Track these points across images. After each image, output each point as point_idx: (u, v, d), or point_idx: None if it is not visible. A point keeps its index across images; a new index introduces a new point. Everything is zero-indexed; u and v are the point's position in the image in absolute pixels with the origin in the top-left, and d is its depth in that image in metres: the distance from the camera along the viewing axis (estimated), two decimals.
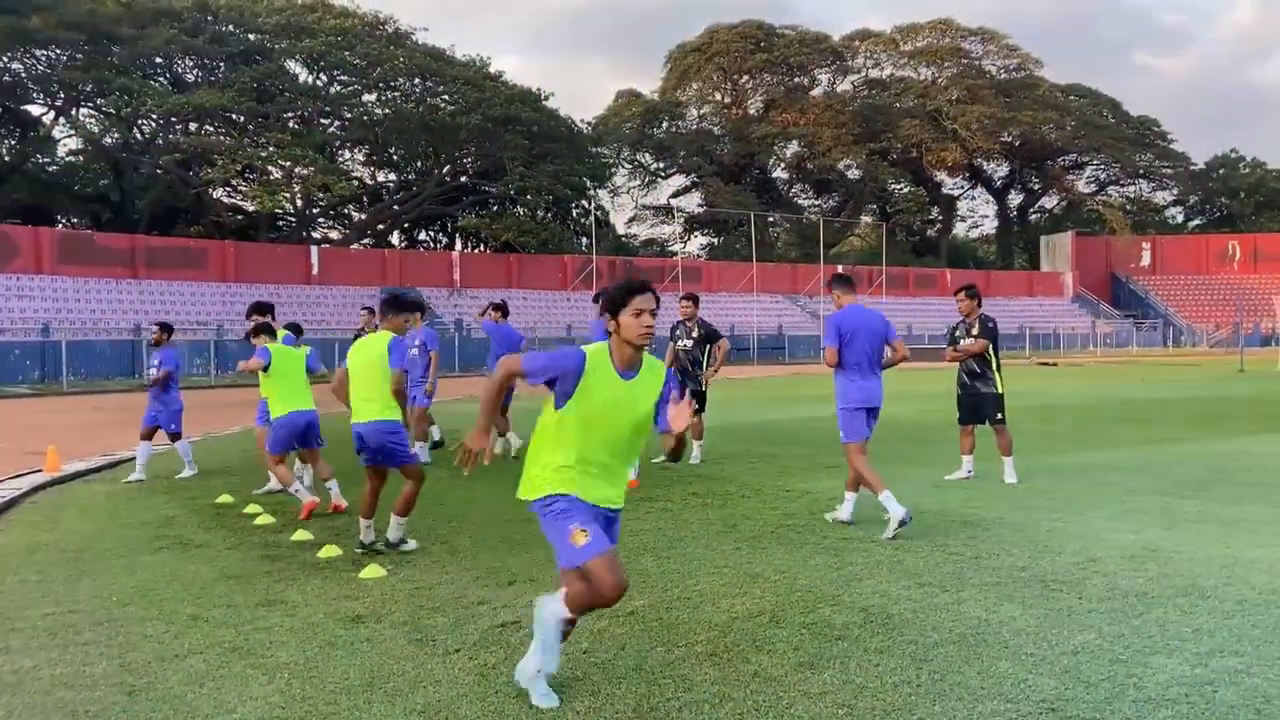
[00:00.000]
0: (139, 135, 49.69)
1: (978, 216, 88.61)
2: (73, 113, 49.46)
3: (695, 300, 11.25)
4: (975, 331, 9.40)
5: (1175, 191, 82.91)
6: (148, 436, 10.70)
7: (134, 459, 10.76)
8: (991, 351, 9.36)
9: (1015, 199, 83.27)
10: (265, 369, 8.46)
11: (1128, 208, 78.90)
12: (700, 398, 11.07)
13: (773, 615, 5.11)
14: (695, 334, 11.02)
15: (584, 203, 61.21)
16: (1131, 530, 7.05)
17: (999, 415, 9.33)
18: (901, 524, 6.80)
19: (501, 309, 12.55)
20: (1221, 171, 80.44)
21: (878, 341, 7.45)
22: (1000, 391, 9.36)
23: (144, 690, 4.25)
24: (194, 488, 9.92)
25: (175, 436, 10.80)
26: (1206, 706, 3.82)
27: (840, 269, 63.34)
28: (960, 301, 9.58)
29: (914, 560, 6.25)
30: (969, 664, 4.34)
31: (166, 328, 10.74)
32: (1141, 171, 78.72)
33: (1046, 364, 41.89)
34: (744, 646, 4.63)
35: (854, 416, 7.36)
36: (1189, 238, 78.24)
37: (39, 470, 10.86)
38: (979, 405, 9.38)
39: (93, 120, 50.19)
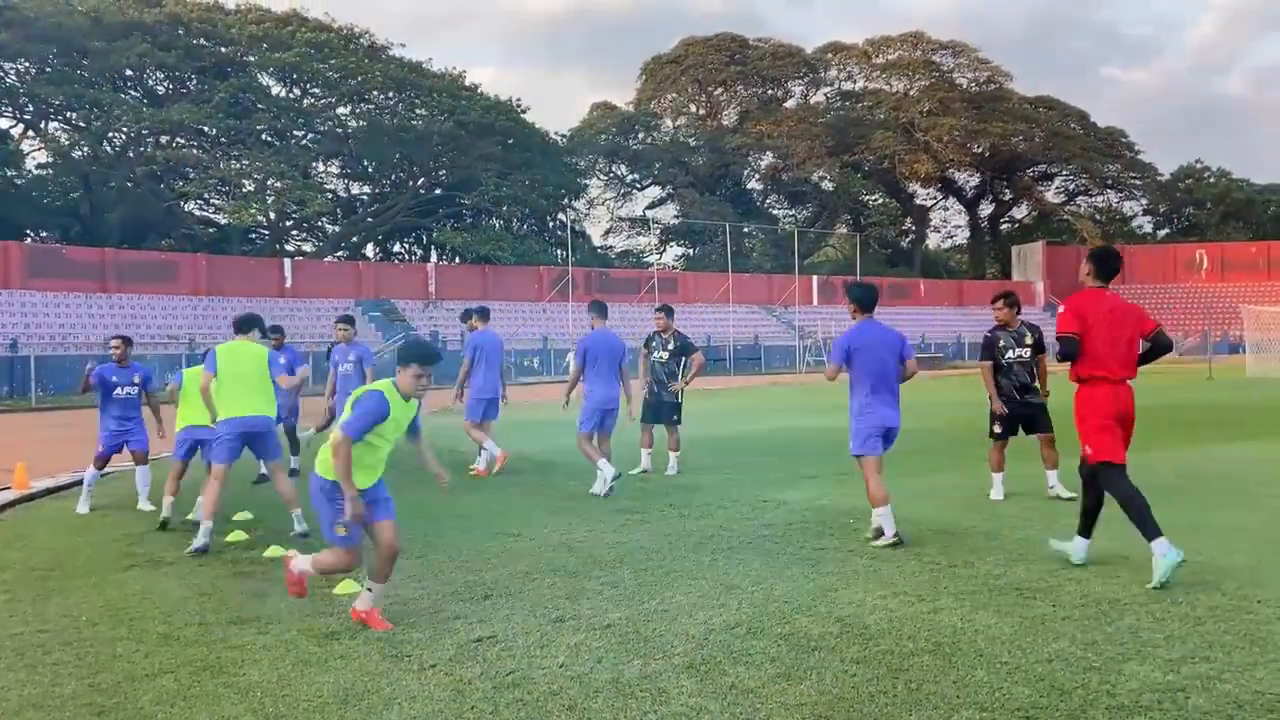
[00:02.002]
0: (109, 149, 49.25)
1: (950, 227, 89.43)
2: (42, 126, 48.97)
3: (670, 312, 11.20)
4: (1029, 340, 8.85)
5: (1143, 201, 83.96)
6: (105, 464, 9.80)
7: (104, 475, 10.51)
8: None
9: (986, 209, 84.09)
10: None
11: (1097, 217, 79.82)
12: (676, 409, 11.07)
13: (750, 626, 5.11)
14: (671, 346, 11.03)
15: (560, 215, 61.20)
16: (1104, 537, 7.11)
17: (1050, 424, 8.86)
18: (895, 543, 6.87)
19: (484, 314, 11.88)
20: (1188, 181, 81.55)
21: (893, 359, 7.14)
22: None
23: (114, 710, 4.20)
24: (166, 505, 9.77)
25: (145, 457, 9.97)
26: (1179, 713, 3.86)
27: (816, 279, 63.72)
28: (999, 310, 8.96)
29: (890, 570, 6.27)
30: (945, 673, 4.35)
31: (128, 341, 10.08)
32: (1110, 182, 79.69)
33: None
34: (721, 658, 4.62)
35: (869, 434, 7.17)
36: (1157, 247, 79.23)
37: (7, 488, 10.69)
38: (1034, 417, 8.86)
39: (63, 133, 49.70)
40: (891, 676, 4.32)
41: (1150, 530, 5.71)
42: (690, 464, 11.38)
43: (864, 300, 7.29)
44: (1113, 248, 7.00)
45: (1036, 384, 8.87)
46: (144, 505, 9.59)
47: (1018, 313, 8.95)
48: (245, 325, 8.33)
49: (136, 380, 9.85)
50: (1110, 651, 4.58)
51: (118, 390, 9.73)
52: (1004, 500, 8.74)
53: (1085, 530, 6.21)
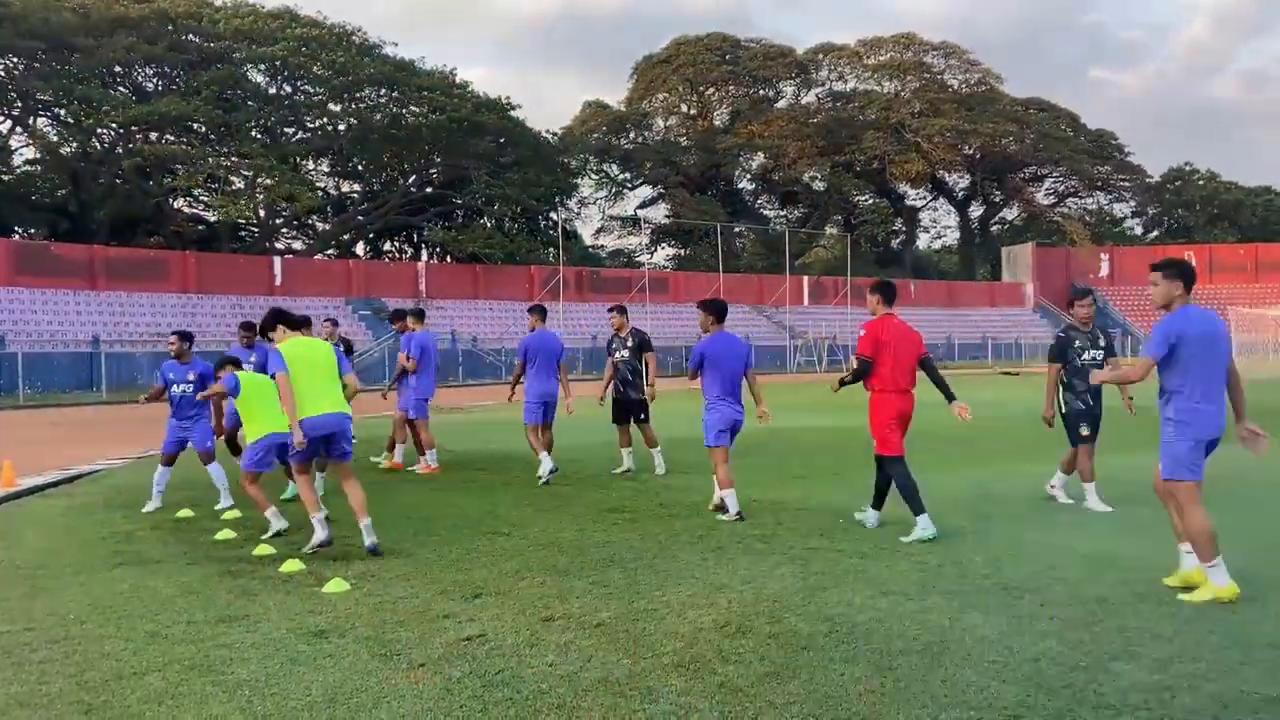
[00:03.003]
0: (98, 145, 48.96)
1: (940, 228, 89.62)
2: (31, 122, 48.68)
3: (623, 311, 11.43)
4: (1103, 343, 8.45)
5: (1133, 203, 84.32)
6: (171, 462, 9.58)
7: (91, 473, 10.51)
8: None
9: (977, 211, 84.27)
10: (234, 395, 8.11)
11: (1087, 219, 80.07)
12: (643, 407, 11.15)
13: (739, 626, 5.11)
14: (630, 344, 11.20)
15: (551, 214, 61.14)
16: (1091, 538, 7.15)
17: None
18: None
19: (419, 316, 12.05)
20: (1177, 184, 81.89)
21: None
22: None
23: (101, 708, 4.18)
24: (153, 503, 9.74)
25: (211, 456, 9.63)
26: (1165, 712, 3.88)
27: (807, 280, 63.80)
28: (1083, 308, 8.46)
29: (879, 569, 6.29)
30: (933, 672, 4.37)
31: (187, 336, 9.80)
32: (1100, 184, 79.93)
33: (1009, 373, 42.37)
34: (710, 657, 4.63)
35: (720, 429, 7.59)
36: (1146, 249, 79.40)
37: None
38: (1098, 423, 8.46)
39: (51, 129, 49.42)
40: (880, 675, 4.33)
41: (916, 508, 7.19)
42: (680, 464, 11.39)
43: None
44: (891, 282, 7.94)
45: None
46: (224, 502, 9.21)
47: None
48: (303, 322, 8.08)
49: (191, 378, 9.54)
50: (1098, 651, 4.60)
51: (174, 387, 9.55)
52: (1111, 511, 8.11)
53: (878, 504, 7.71)
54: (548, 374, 10.85)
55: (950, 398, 7.53)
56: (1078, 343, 8.44)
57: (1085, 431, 8.39)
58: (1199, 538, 5.49)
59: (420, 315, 12.03)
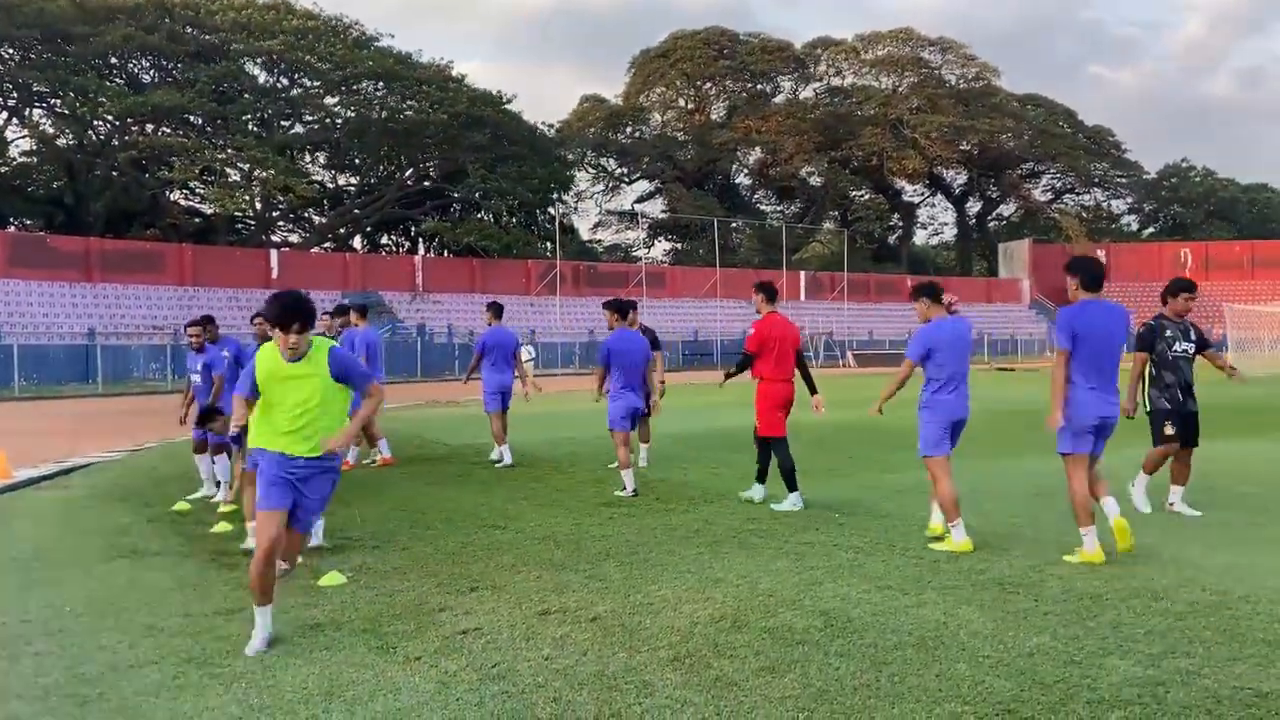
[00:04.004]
0: (94, 136, 48.83)
1: (937, 224, 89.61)
2: (26, 113, 48.52)
3: (634, 308, 11.37)
4: (1194, 336, 8.00)
5: (1129, 200, 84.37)
6: (203, 449, 9.47)
7: (87, 465, 10.49)
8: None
9: (974, 207, 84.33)
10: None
11: (1083, 216, 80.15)
12: (645, 401, 11.18)
13: (734, 620, 5.13)
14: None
15: (548, 208, 61.10)
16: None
17: (1197, 439, 8.08)
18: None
19: (363, 311, 12.01)
20: (1173, 180, 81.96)
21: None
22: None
23: (97, 701, 4.18)
24: (150, 495, 9.75)
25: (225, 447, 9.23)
26: (1159, 707, 3.89)
27: (803, 275, 63.79)
28: (1184, 300, 7.98)
29: (874, 564, 6.31)
30: (928, 667, 4.38)
31: (197, 323, 9.55)
32: (1096, 180, 80.00)
33: (1005, 369, 42.43)
34: (705, 651, 4.64)
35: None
36: (1142, 245, 79.61)
37: None
38: (1189, 425, 7.98)
39: (47, 121, 49.27)
40: (875, 670, 4.35)
41: (791, 485, 8.32)
42: (675, 458, 11.40)
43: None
44: (772, 282, 8.96)
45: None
46: (221, 494, 9.01)
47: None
48: (368, 310, 7.97)
49: (199, 366, 9.34)
50: (1091, 646, 4.62)
51: (192, 376, 9.45)
52: (1148, 513, 7.84)
53: (761, 479, 8.65)
54: (504, 366, 11.72)
55: (813, 390, 8.62)
56: (1169, 332, 7.95)
57: (1169, 431, 7.96)
58: (945, 502, 6.79)
59: (364, 311, 11.91)
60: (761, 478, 8.67)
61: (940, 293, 7.41)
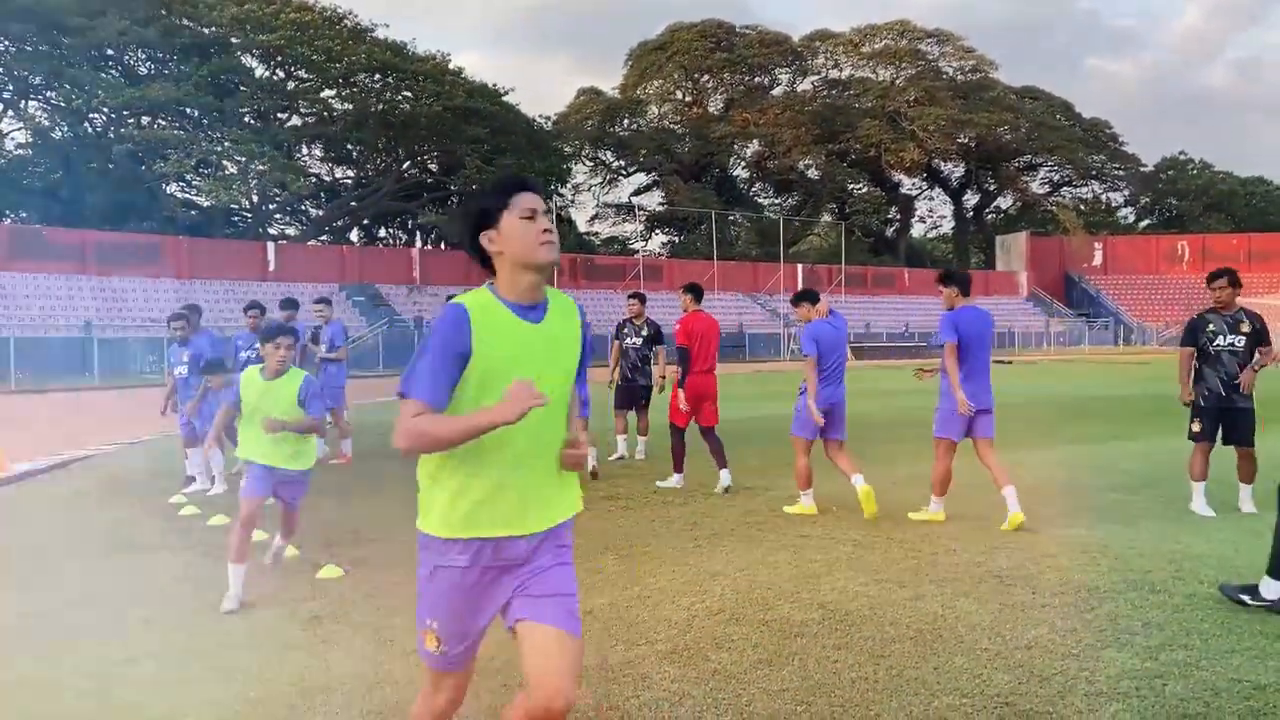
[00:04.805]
0: (90, 129, 48.66)
1: (935, 217, 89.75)
2: (22, 105, 48.35)
3: (643, 299, 11.68)
4: (1245, 329, 7.55)
5: (1126, 193, 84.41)
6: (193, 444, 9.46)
7: (84, 458, 10.48)
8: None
9: (971, 199, 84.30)
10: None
11: (1080, 208, 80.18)
12: (647, 393, 11.35)
13: (732, 613, 5.13)
14: (644, 333, 11.35)
15: (546, 201, 61.02)
16: (1083, 526, 7.18)
17: (1253, 436, 7.59)
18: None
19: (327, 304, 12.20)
20: (1170, 173, 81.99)
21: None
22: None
23: (95, 694, 4.18)
24: (148, 489, 9.74)
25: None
26: (1156, 699, 3.90)
27: (801, 267, 63.78)
28: (1222, 290, 7.60)
29: (872, 557, 6.31)
30: (925, 660, 4.39)
31: (180, 315, 9.52)
32: (1094, 173, 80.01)
33: (1002, 362, 42.46)
34: (704, 644, 4.65)
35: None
36: (1139, 238, 79.69)
37: None
38: (1237, 422, 7.55)
39: (43, 113, 49.09)
40: (873, 663, 4.35)
41: (678, 466, 9.38)
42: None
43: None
44: (698, 283, 9.75)
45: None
46: (218, 488, 9.16)
47: (1237, 294, 7.69)
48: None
49: (185, 358, 9.39)
50: (1089, 639, 4.63)
51: (177, 369, 9.48)
52: (1214, 517, 7.40)
53: (678, 467, 9.39)
54: None
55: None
56: (1211, 326, 7.63)
57: (1195, 428, 7.69)
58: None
59: (327, 303, 12.14)
60: (679, 465, 9.34)
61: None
